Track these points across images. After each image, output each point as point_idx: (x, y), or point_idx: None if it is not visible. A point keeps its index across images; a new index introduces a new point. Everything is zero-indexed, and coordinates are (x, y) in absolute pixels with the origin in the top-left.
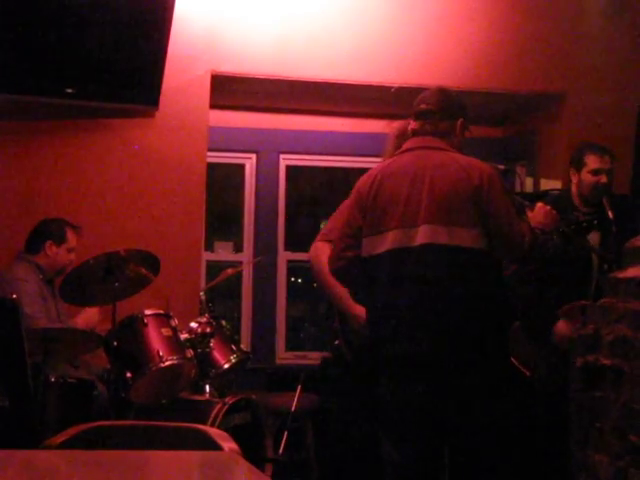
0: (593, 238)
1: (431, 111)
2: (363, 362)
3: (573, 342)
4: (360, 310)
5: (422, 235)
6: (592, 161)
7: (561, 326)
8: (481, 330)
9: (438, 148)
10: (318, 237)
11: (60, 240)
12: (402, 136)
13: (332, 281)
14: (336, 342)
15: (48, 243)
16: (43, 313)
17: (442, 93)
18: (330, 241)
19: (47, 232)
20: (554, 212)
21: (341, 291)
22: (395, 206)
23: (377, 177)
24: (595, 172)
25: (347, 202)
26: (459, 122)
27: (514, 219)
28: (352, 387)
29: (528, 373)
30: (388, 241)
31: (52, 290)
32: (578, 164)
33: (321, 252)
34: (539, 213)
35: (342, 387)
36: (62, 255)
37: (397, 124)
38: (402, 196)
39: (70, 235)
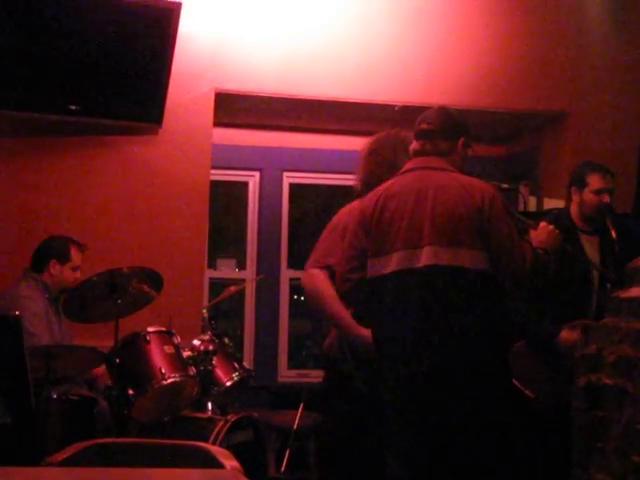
0: (594, 257)
1: (432, 131)
2: (375, 385)
3: (577, 354)
4: (365, 332)
5: (426, 256)
6: (595, 181)
7: (565, 334)
8: (485, 350)
9: (440, 168)
10: (310, 264)
11: (64, 259)
12: (375, 152)
13: (333, 306)
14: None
15: (52, 262)
16: (46, 332)
17: (443, 112)
18: (325, 267)
19: (51, 251)
20: (557, 231)
21: (344, 315)
22: (399, 227)
23: (380, 198)
24: (598, 192)
25: (329, 230)
26: (460, 141)
27: (516, 240)
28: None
29: (531, 395)
30: (393, 262)
31: (57, 308)
32: (580, 184)
33: (317, 279)
34: (542, 232)
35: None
36: (66, 274)
37: (367, 141)
38: (405, 217)
39: (74, 254)
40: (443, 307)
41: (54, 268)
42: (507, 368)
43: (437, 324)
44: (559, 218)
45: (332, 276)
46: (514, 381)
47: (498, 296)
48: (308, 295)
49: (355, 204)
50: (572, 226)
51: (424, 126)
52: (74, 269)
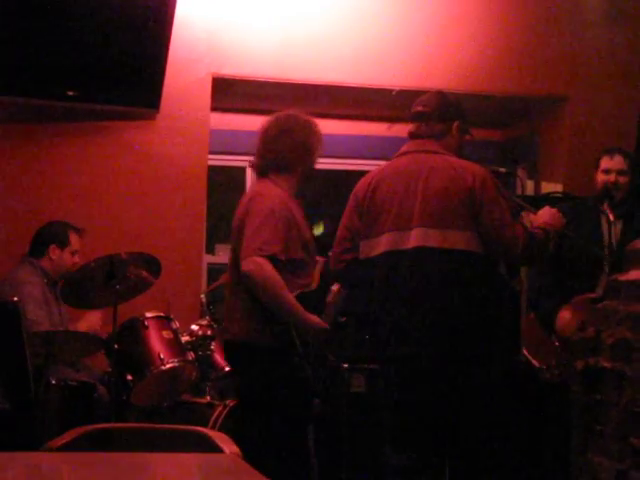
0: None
1: (427, 113)
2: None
3: (575, 335)
4: (315, 319)
5: (415, 238)
6: (603, 161)
7: (564, 314)
8: (475, 331)
9: (432, 151)
10: (252, 251)
11: (63, 244)
12: (286, 133)
13: (285, 294)
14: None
15: (52, 247)
16: (45, 317)
17: (439, 96)
18: (269, 256)
19: (50, 236)
20: (559, 214)
21: (295, 302)
22: (389, 209)
23: (373, 181)
24: (605, 172)
25: (265, 216)
26: (455, 124)
27: (507, 221)
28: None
29: (537, 364)
30: (383, 244)
31: (55, 293)
32: (596, 166)
33: (265, 268)
34: (545, 213)
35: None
36: (66, 259)
37: (273, 120)
38: (396, 199)
39: (73, 238)
40: (432, 288)
41: (54, 253)
42: (503, 345)
43: (426, 305)
44: (590, 202)
45: (274, 264)
46: (523, 350)
47: (490, 277)
48: (257, 284)
49: (279, 191)
50: (595, 209)
51: (419, 108)
52: (73, 253)
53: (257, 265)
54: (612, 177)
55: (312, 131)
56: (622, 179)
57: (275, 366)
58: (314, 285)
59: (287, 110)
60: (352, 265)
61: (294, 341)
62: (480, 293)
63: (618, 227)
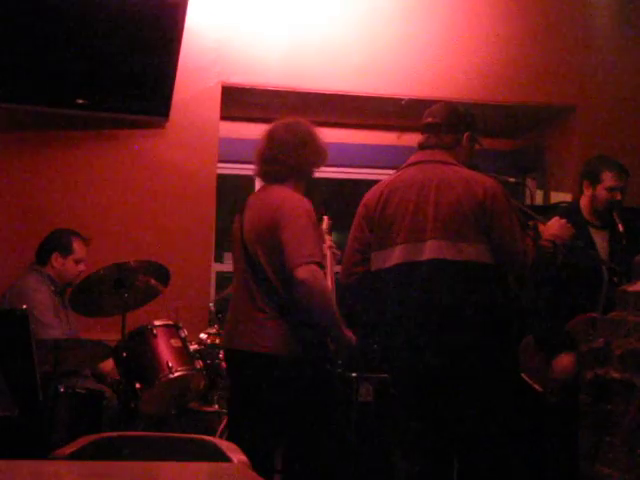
0: (603, 251)
1: (437, 124)
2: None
3: (584, 347)
4: (350, 332)
5: (429, 250)
6: (609, 178)
7: (561, 361)
8: (488, 343)
9: (443, 162)
10: (304, 259)
11: (66, 252)
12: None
13: (334, 305)
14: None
15: (54, 255)
16: (56, 322)
17: (449, 107)
18: (317, 263)
19: (53, 244)
20: (569, 225)
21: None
22: (402, 221)
23: (383, 192)
24: (611, 189)
25: (306, 221)
26: (465, 135)
27: (517, 234)
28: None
29: (539, 389)
30: (396, 255)
31: (63, 301)
32: (593, 179)
33: (321, 276)
34: (554, 225)
35: None
36: (69, 267)
37: (303, 128)
38: (409, 210)
39: (77, 246)
40: (446, 300)
41: (56, 261)
42: (513, 359)
43: (440, 317)
44: (569, 212)
45: None
46: (523, 375)
47: (502, 289)
48: (314, 292)
49: (302, 196)
50: (582, 220)
51: (429, 120)
52: (77, 262)
53: (313, 273)
54: (618, 195)
55: (321, 139)
56: (622, 196)
57: (308, 376)
58: None
59: (288, 118)
60: (364, 277)
61: (327, 352)
62: (494, 304)
63: (607, 238)
